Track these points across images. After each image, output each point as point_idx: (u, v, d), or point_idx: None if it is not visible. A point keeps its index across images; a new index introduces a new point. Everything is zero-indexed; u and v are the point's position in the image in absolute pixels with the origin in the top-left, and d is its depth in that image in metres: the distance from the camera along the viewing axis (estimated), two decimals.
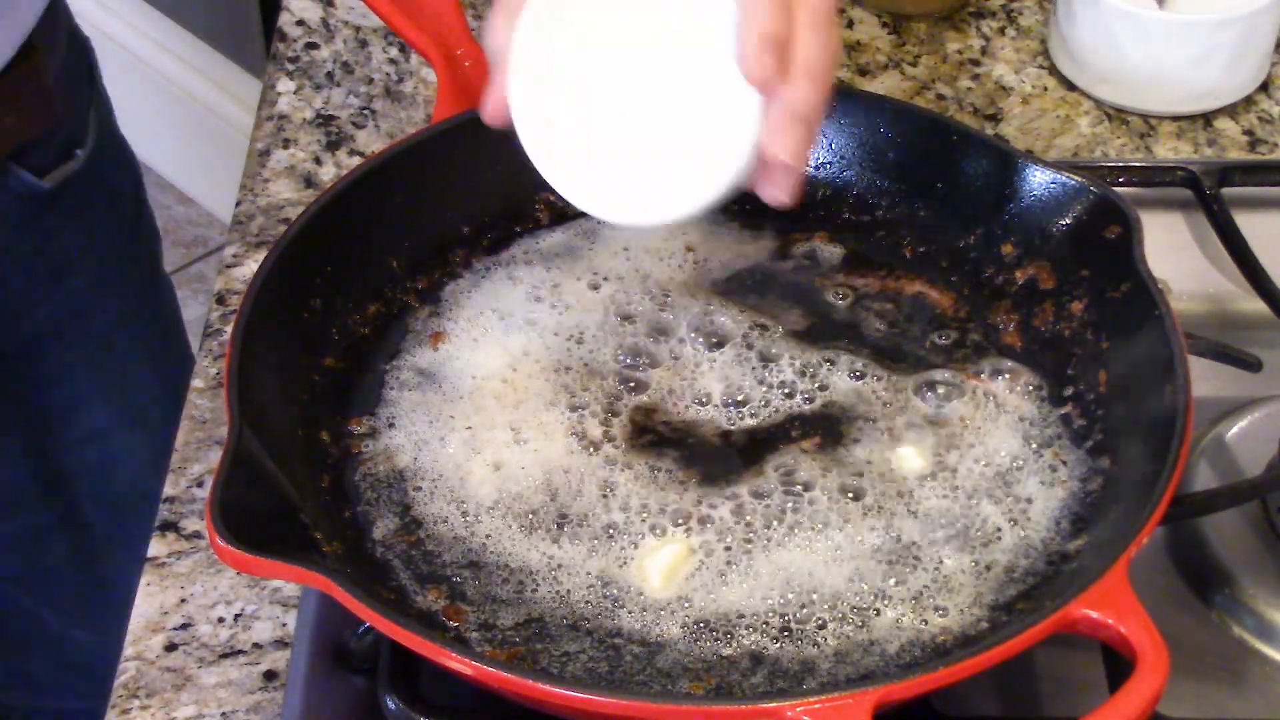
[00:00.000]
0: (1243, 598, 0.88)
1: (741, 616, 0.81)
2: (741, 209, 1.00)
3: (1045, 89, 1.17)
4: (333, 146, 1.14)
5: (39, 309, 1.14)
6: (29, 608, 1.30)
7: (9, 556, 1.25)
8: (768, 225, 0.99)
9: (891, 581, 0.82)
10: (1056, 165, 0.93)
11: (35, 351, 1.15)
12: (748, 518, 0.85)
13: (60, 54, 1.10)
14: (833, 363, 0.92)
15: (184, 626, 0.88)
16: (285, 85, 1.18)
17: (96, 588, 1.26)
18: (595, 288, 0.95)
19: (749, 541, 0.84)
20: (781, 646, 0.80)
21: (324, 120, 1.15)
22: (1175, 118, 1.15)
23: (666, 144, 0.81)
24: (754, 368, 0.92)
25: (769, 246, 0.98)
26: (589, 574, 0.83)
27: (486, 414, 0.89)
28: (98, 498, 1.24)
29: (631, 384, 0.91)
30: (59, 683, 1.36)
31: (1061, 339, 0.92)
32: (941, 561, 0.83)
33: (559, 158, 0.83)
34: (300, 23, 1.23)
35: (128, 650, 0.87)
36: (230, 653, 0.87)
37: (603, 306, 0.94)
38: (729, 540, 0.84)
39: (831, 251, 0.98)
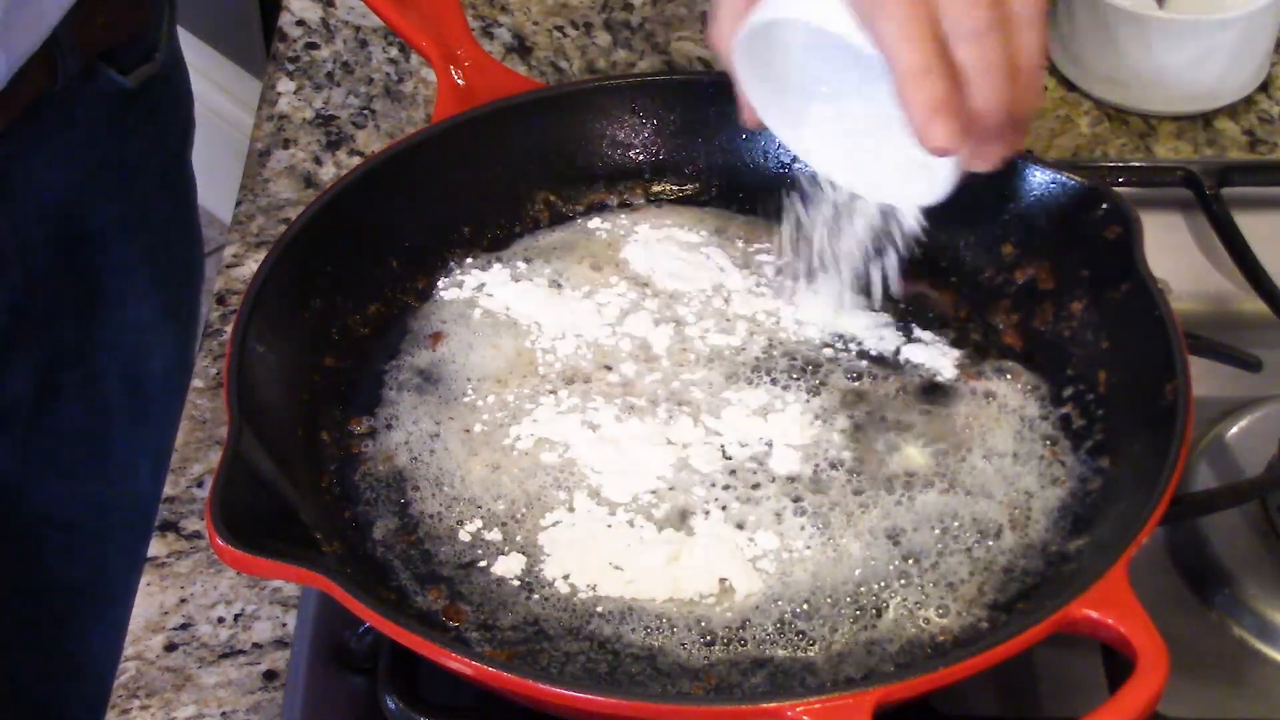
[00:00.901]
0: (1243, 598, 0.88)
1: (741, 616, 0.81)
2: (742, 209, 1.00)
3: (1045, 89, 1.17)
4: (333, 146, 1.14)
5: (112, 203, 1.18)
6: (30, 477, 1.32)
7: (23, 410, 1.28)
8: None
9: (891, 581, 0.82)
10: (1056, 165, 0.93)
11: (101, 243, 1.19)
12: (747, 518, 0.85)
13: None
14: (833, 362, 0.92)
15: (184, 626, 0.88)
16: (285, 85, 1.18)
17: (104, 456, 1.29)
18: (595, 287, 0.95)
19: (750, 542, 0.84)
20: (781, 646, 0.80)
21: (324, 120, 1.15)
22: (1175, 118, 1.15)
23: (886, 150, 0.84)
24: (754, 367, 0.92)
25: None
26: (589, 573, 0.83)
27: (486, 414, 0.89)
28: (124, 379, 1.27)
29: (632, 383, 0.91)
30: (51, 541, 1.37)
31: (1061, 339, 0.92)
32: (942, 561, 0.83)
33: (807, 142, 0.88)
34: (300, 23, 1.23)
35: (128, 650, 0.87)
36: (230, 653, 0.87)
37: (602, 306, 0.94)
38: (729, 540, 0.84)
39: None
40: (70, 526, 1.34)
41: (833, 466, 0.87)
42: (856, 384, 0.91)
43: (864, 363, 0.92)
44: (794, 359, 0.92)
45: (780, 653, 0.80)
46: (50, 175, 1.12)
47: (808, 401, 0.90)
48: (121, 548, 1.22)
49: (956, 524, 0.85)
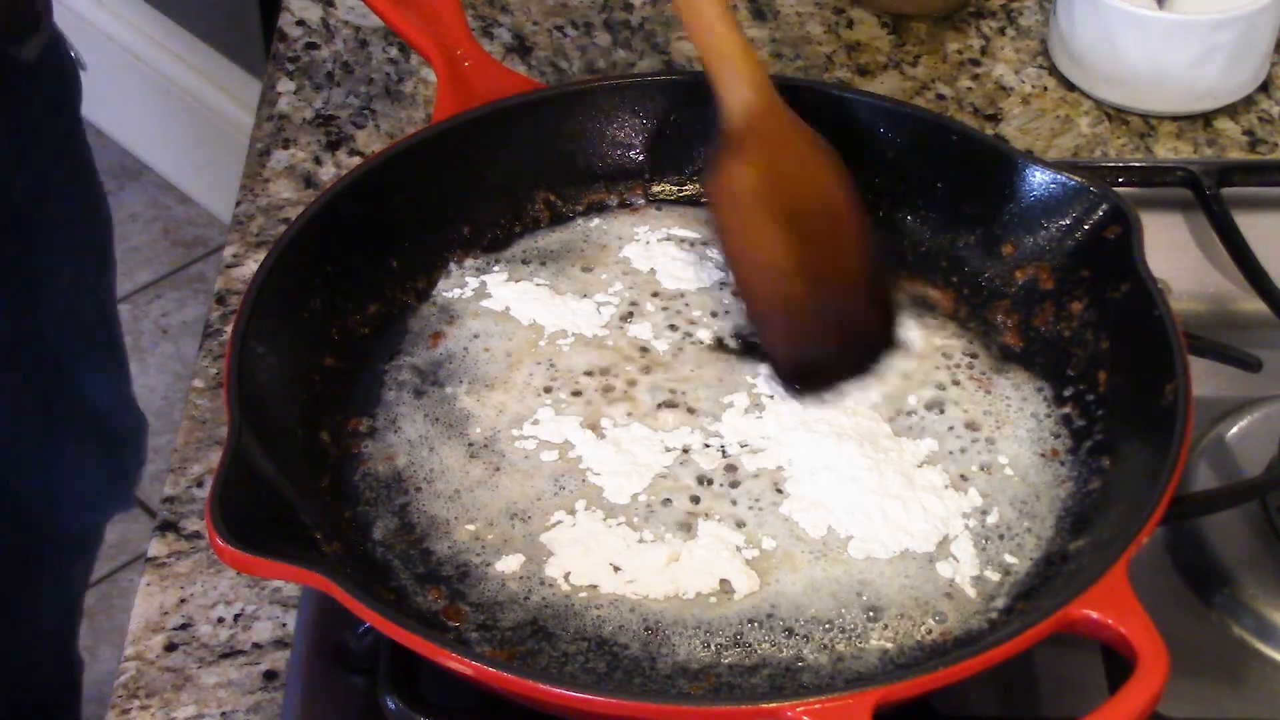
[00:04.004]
0: (1243, 598, 0.88)
1: (741, 616, 0.81)
2: None
3: (1045, 89, 1.17)
4: (333, 146, 1.14)
5: (24, 175, 1.19)
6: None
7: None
8: None
9: (892, 581, 0.82)
10: (1056, 165, 0.93)
11: (22, 217, 1.21)
12: (747, 519, 0.85)
13: None
14: None
15: (184, 626, 0.88)
16: (285, 85, 1.18)
17: (65, 413, 1.31)
18: (595, 287, 0.95)
19: (750, 542, 0.84)
20: (781, 647, 0.80)
21: (324, 120, 1.15)
22: (1175, 118, 1.15)
23: None
24: (755, 367, 0.92)
25: None
26: (589, 573, 0.83)
27: (486, 414, 0.89)
28: (60, 324, 1.30)
29: (632, 383, 0.91)
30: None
31: (1061, 339, 0.92)
32: (941, 561, 0.83)
33: None
34: (300, 23, 1.23)
35: (128, 650, 0.87)
36: (230, 653, 0.87)
37: (602, 306, 0.94)
38: (729, 540, 0.84)
39: None
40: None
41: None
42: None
43: None
44: None
45: (780, 653, 0.80)
46: None
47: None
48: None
49: (956, 524, 0.85)
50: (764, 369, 0.91)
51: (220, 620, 0.88)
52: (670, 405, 0.90)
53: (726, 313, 0.94)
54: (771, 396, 0.90)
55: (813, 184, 0.91)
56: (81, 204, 1.30)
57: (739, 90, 0.91)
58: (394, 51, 1.20)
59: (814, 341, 0.91)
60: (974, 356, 0.92)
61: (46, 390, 1.31)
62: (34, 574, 1.39)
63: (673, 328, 0.93)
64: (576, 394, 0.90)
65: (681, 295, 0.95)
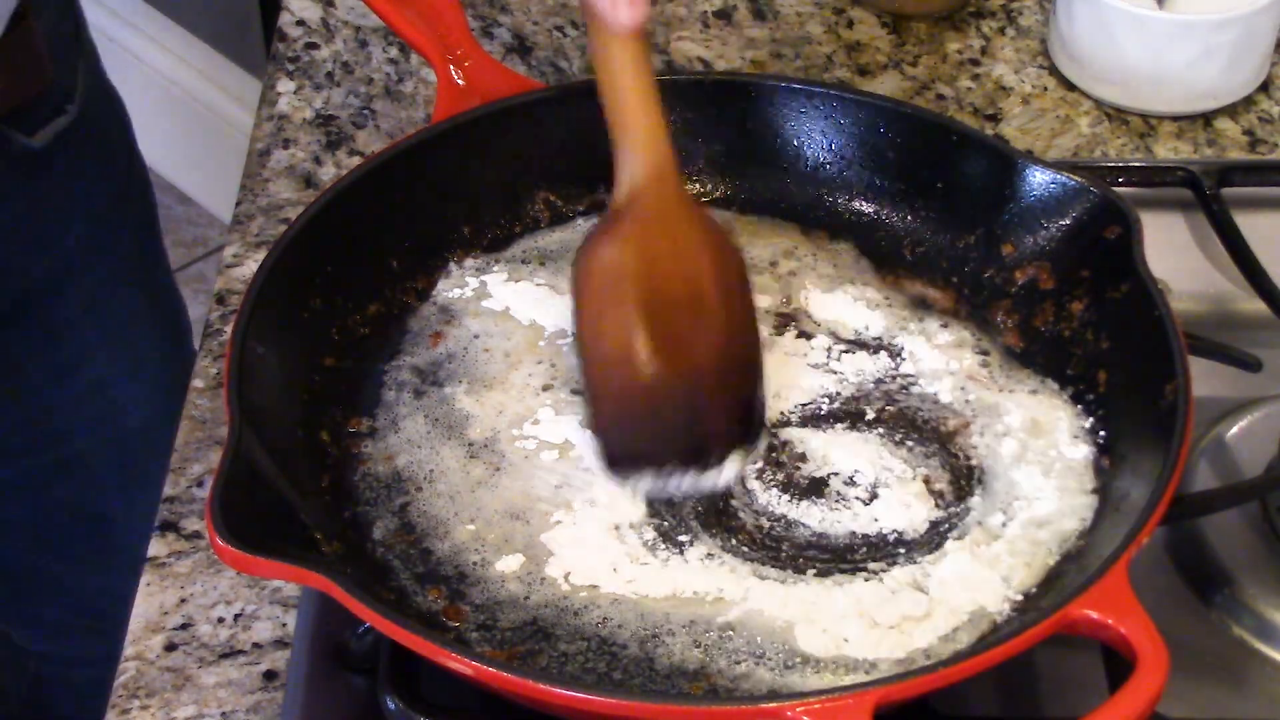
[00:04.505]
0: (1243, 598, 0.88)
1: (741, 615, 0.81)
2: (742, 209, 1.00)
3: (1045, 89, 1.17)
4: (333, 146, 1.14)
5: (37, 266, 1.15)
6: (35, 557, 1.31)
7: (11, 504, 1.26)
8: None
9: (892, 582, 0.82)
10: (1056, 165, 0.93)
11: (36, 307, 1.16)
12: (747, 519, 0.85)
13: (51, 15, 1.10)
14: (835, 362, 0.92)
15: (184, 626, 0.88)
16: (285, 85, 1.18)
17: (101, 534, 1.27)
18: None
19: (750, 540, 0.84)
20: (781, 646, 0.80)
21: (324, 120, 1.15)
22: (1175, 118, 1.15)
23: None
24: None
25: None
26: (589, 573, 0.83)
27: (486, 414, 0.89)
28: (101, 444, 1.24)
29: None
30: (75, 627, 1.36)
31: (1061, 339, 0.92)
32: (942, 562, 0.83)
33: None
34: (300, 23, 1.23)
35: (128, 650, 0.87)
36: (230, 653, 0.87)
37: None
38: (730, 539, 0.84)
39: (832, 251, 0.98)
40: (88, 614, 1.33)
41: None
42: (857, 382, 0.91)
43: (867, 364, 0.92)
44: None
45: (780, 653, 0.80)
46: None
47: (810, 401, 0.90)
48: None
49: (956, 524, 0.85)
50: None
51: (220, 620, 0.88)
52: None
53: None
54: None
55: (684, 275, 0.86)
56: (123, 289, 1.23)
57: (630, 165, 0.87)
58: (394, 51, 1.20)
59: (643, 436, 0.86)
60: (974, 356, 0.92)
61: None
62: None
63: None
64: (576, 393, 0.90)
65: None
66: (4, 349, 1.16)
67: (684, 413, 0.86)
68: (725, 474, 0.86)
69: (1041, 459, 0.86)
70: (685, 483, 0.85)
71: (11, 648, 1.41)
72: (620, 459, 0.86)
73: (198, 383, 1.00)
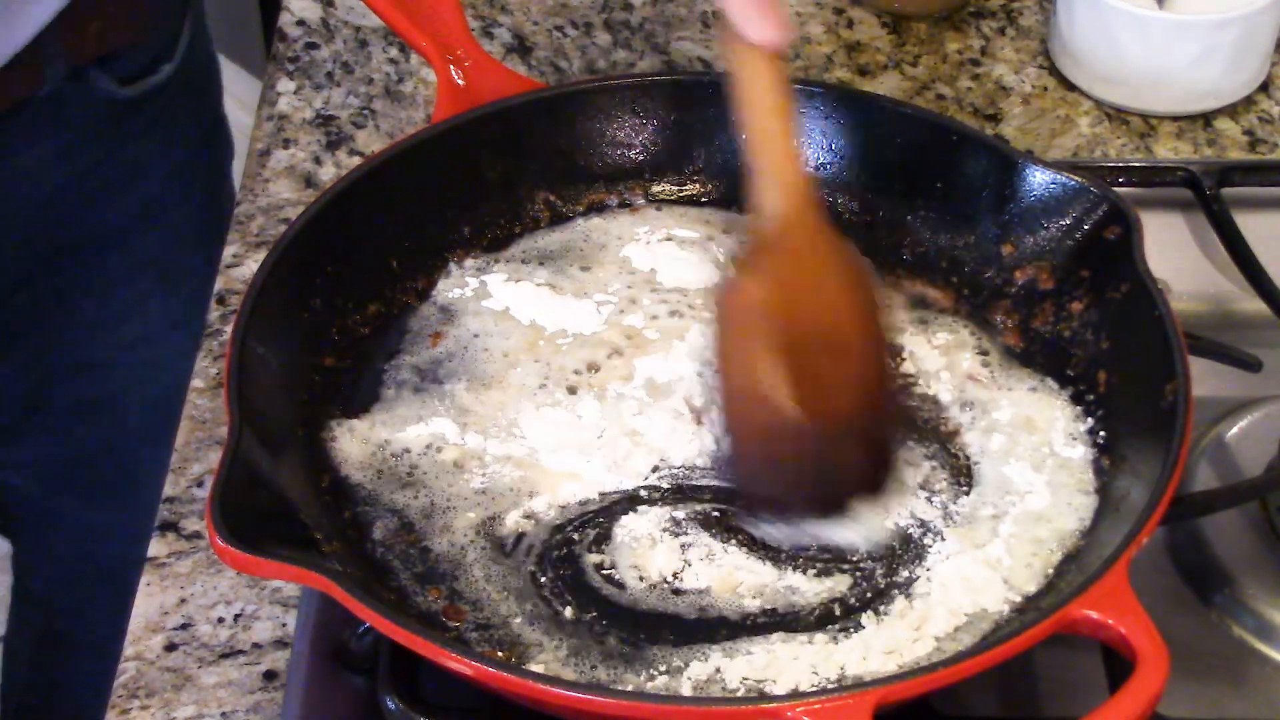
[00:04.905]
0: (1243, 598, 0.88)
1: (739, 617, 0.81)
2: (743, 209, 1.00)
3: (1045, 89, 1.17)
4: (333, 146, 1.14)
5: (109, 211, 1.17)
6: (57, 498, 1.31)
7: (40, 440, 1.27)
8: None
9: (892, 581, 0.82)
10: (1056, 165, 0.93)
11: (102, 252, 1.18)
12: (745, 520, 0.85)
13: None
14: None
15: (184, 626, 0.88)
16: (285, 85, 1.18)
17: (124, 482, 1.28)
18: (595, 287, 0.95)
19: (751, 539, 0.84)
20: (781, 646, 0.80)
21: (324, 120, 1.15)
22: (1175, 118, 1.15)
23: None
24: None
25: None
26: (589, 573, 0.83)
27: (485, 414, 0.89)
28: (138, 393, 1.25)
29: (632, 383, 0.91)
30: (86, 574, 1.37)
31: (1061, 339, 0.92)
32: (943, 562, 0.83)
33: None
34: (300, 23, 1.23)
35: (128, 650, 0.87)
36: (230, 653, 0.87)
37: (602, 305, 0.94)
38: (730, 537, 0.84)
39: None
40: (100, 559, 1.34)
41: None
42: None
43: None
44: None
45: (780, 652, 0.80)
46: (35, 175, 1.11)
47: None
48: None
49: (956, 524, 0.85)
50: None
51: (220, 620, 0.88)
52: (671, 404, 0.89)
53: None
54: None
55: (826, 316, 0.84)
56: (181, 248, 1.25)
57: (773, 192, 0.84)
58: (394, 51, 1.20)
59: (792, 483, 0.84)
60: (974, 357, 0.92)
61: None
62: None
63: (673, 328, 0.93)
64: (576, 394, 0.90)
65: (682, 295, 0.95)
66: (63, 288, 1.18)
67: (816, 456, 0.83)
68: (851, 532, 0.84)
69: (1033, 455, 0.86)
70: (811, 530, 0.83)
71: (25, 595, 1.42)
72: (750, 495, 0.84)
73: (198, 383, 1.00)
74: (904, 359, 0.92)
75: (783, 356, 0.82)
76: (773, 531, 0.83)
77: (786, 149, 0.85)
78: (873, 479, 0.84)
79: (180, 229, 1.23)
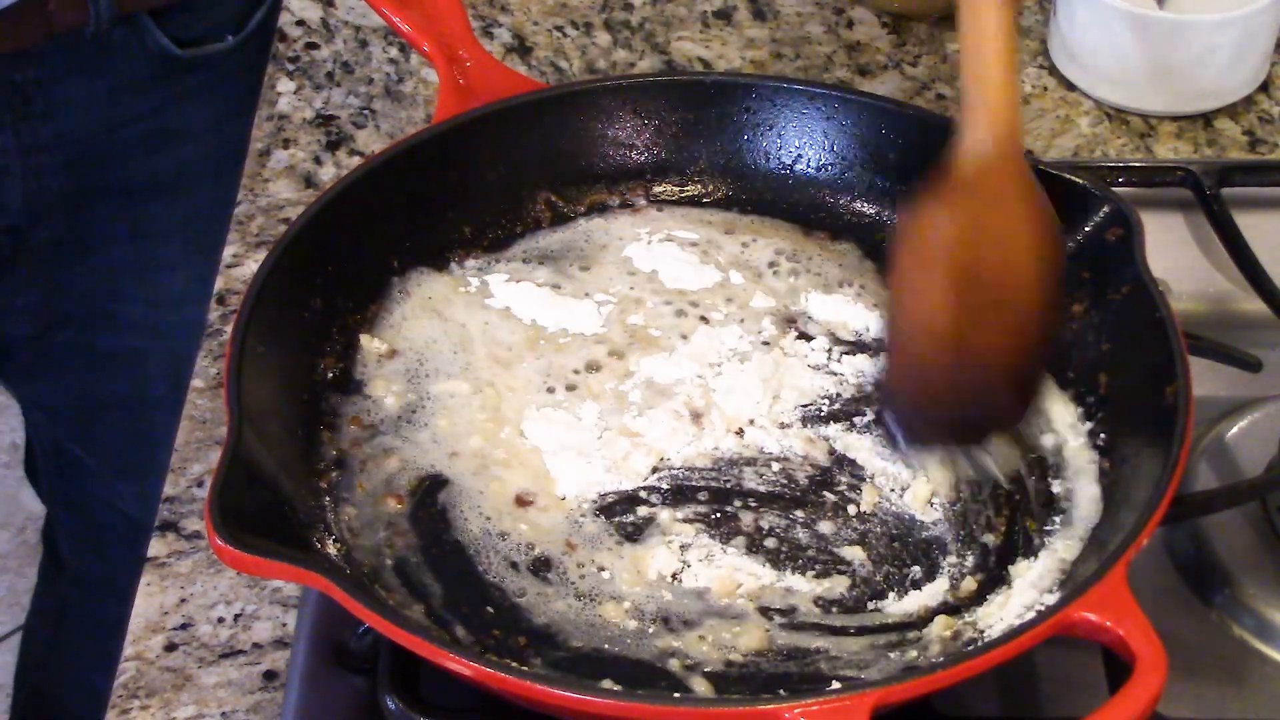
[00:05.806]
0: (1243, 598, 0.88)
1: (741, 613, 0.81)
2: (744, 210, 1.00)
3: (1045, 89, 1.17)
4: (333, 146, 1.14)
5: (147, 165, 1.19)
6: (80, 448, 1.33)
7: (62, 383, 1.28)
8: None
9: (892, 582, 0.82)
10: (1057, 166, 0.93)
11: (134, 204, 1.20)
12: (746, 521, 0.85)
13: None
14: (836, 363, 0.92)
15: (184, 626, 0.88)
16: (285, 85, 1.18)
17: (141, 439, 1.28)
18: (596, 288, 0.95)
19: (752, 539, 0.84)
20: (780, 646, 0.80)
21: (324, 120, 1.15)
22: (1175, 118, 1.15)
23: None
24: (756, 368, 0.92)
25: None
26: (588, 573, 0.83)
27: (486, 414, 0.89)
28: (159, 348, 1.27)
29: (633, 383, 0.91)
30: (108, 535, 1.38)
31: (1062, 341, 0.91)
32: (943, 561, 0.83)
33: None
34: (300, 23, 1.23)
35: (128, 650, 0.87)
36: (230, 653, 0.87)
37: (603, 306, 0.94)
38: (731, 538, 0.84)
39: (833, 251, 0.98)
40: (120, 527, 1.34)
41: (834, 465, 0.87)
42: (857, 384, 0.91)
43: (867, 365, 0.92)
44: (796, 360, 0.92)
45: (779, 652, 0.80)
46: (76, 111, 1.13)
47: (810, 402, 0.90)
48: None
49: (957, 524, 0.85)
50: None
51: (220, 620, 0.88)
52: (672, 404, 0.90)
53: (728, 314, 0.94)
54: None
55: (1007, 257, 0.85)
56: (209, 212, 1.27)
57: (980, 134, 0.85)
58: (394, 51, 1.20)
59: (938, 408, 0.86)
60: None
61: None
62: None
63: (674, 328, 0.93)
64: (576, 394, 0.90)
65: (683, 295, 0.95)
66: (91, 229, 1.20)
67: (968, 392, 0.85)
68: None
69: None
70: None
71: (52, 559, 1.44)
72: (910, 427, 0.86)
73: (198, 383, 1.00)
74: None
75: (958, 293, 0.84)
76: (903, 443, 0.86)
77: (1003, 93, 0.85)
78: (1011, 418, 0.87)
79: (217, 199, 1.23)
